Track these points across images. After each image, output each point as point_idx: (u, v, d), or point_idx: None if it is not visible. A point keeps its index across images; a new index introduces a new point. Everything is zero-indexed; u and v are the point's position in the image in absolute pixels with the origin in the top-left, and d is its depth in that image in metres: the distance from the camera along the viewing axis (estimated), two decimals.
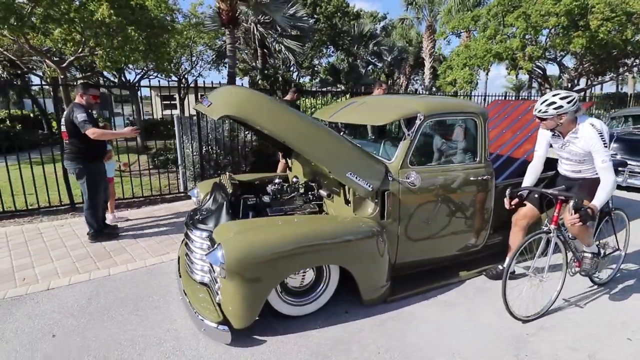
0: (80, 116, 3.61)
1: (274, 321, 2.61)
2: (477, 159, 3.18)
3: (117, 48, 5.53)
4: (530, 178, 2.85)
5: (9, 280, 3.16)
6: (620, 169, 4.98)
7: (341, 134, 2.89)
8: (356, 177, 2.71)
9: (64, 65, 6.38)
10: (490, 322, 2.68)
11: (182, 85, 13.06)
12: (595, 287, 3.15)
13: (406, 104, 3.05)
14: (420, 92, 13.92)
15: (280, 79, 13.26)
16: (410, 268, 3.15)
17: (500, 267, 3.21)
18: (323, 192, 3.15)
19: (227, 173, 3.30)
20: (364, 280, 2.72)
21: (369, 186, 2.74)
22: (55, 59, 6.26)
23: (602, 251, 3.04)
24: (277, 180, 3.29)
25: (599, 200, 2.47)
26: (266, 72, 12.89)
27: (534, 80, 16.25)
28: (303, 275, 2.63)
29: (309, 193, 3.28)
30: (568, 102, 2.44)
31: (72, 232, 4.18)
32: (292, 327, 2.58)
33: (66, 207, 4.93)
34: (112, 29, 5.35)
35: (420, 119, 2.88)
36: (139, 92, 10.24)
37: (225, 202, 2.78)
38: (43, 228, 4.29)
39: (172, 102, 17.22)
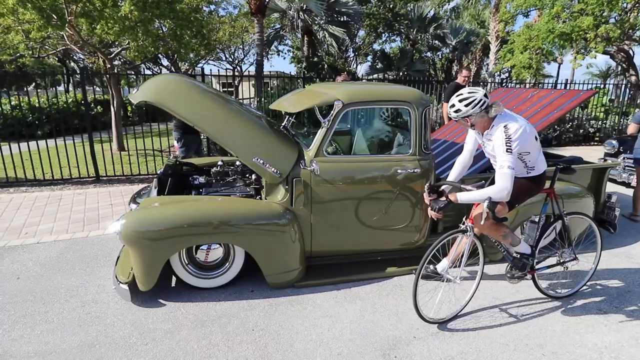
0: None
1: (185, 290, 2.87)
2: (410, 151, 3.01)
3: (141, 40, 6.23)
4: (455, 172, 2.62)
5: (15, 233, 3.94)
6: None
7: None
8: (263, 163, 2.81)
9: (111, 56, 7.38)
10: (385, 319, 2.59)
11: (235, 73, 13.89)
12: (545, 298, 2.80)
13: (328, 92, 3.00)
14: (486, 80, 12.58)
15: (325, 66, 13.35)
16: (331, 258, 3.15)
17: (431, 267, 3.02)
18: (254, 176, 3.29)
19: (173, 155, 3.62)
20: (266, 263, 2.83)
21: (276, 172, 2.82)
22: (103, 50, 7.24)
23: (559, 259, 2.71)
24: (219, 163, 3.52)
25: (466, 195, 2.23)
26: (311, 59, 13.08)
27: (618, 65, 13.74)
28: (207, 252, 2.84)
29: (246, 176, 3.44)
30: (466, 105, 2.19)
31: (83, 200, 4.97)
32: (196, 297, 2.82)
33: (92, 179, 5.81)
34: (136, 24, 6.03)
35: (337, 107, 2.83)
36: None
37: (154, 180, 3.10)
38: (65, 195, 5.16)
39: (229, 89, 18.47)
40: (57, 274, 3.17)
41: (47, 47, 8.26)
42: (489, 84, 10.74)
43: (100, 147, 6.70)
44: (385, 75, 14.24)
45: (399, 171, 2.96)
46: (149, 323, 2.55)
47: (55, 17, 5.61)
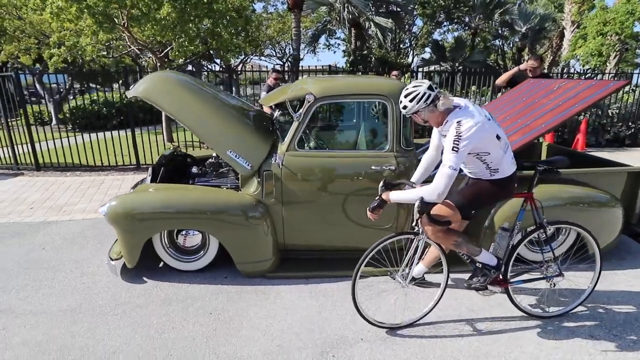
0: (262, 93, 5.70)
1: (169, 271, 3.12)
2: (387, 147, 2.89)
3: (180, 40, 6.74)
4: (419, 170, 2.43)
5: (56, 211, 4.58)
6: None
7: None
8: (236, 156, 2.92)
9: (160, 55, 8.08)
10: (339, 318, 2.56)
11: (285, 69, 14.26)
12: (527, 316, 2.52)
13: (303, 85, 2.99)
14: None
15: (372, 59, 13.07)
16: (307, 251, 3.16)
17: (407, 270, 2.87)
18: None
19: (173, 146, 3.89)
20: (236, 252, 2.95)
21: (248, 165, 2.91)
22: (155, 50, 7.96)
23: (544, 274, 2.44)
24: (214, 155, 3.71)
25: (398, 194, 2.09)
26: (358, 53, 12.88)
27: None
28: (185, 237, 3.04)
29: None
30: (411, 101, 2.03)
31: (119, 185, 5.57)
32: (174, 278, 3.05)
33: (134, 167, 6.47)
34: (175, 25, 6.53)
35: (309, 101, 2.82)
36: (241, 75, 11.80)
37: (149, 169, 3.38)
38: (106, 180, 5.84)
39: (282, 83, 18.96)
40: (73, 247, 3.64)
41: (112, 48, 9.29)
42: (561, 75, 9.62)
43: (149, 138, 7.41)
44: (438, 67, 13.48)
45: (373, 168, 2.86)
46: (126, 297, 2.83)
47: (108, 22, 6.31)
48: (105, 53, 10.51)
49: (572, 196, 2.99)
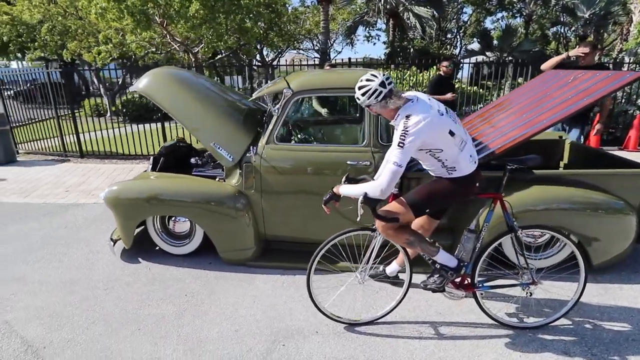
0: None
1: (162, 255, 3.35)
2: (365, 142, 2.84)
3: (208, 36, 7.04)
4: (383, 164, 2.35)
5: (86, 193, 5.09)
6: None
7: None
8: (219, 148, 3.05)
9: (195, 51, 8.52)
10: (302, 310, 2.60)
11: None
12: (499, 327, 2.37)
13: (283, 80, 3.02)
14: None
15: (411, 51, 12.63)
16: (288, 243, 3.22)
17: (381, 267, 2.82)
18: None
19: (177, 138, 4.11)
20: (217, 240, 3.09)
21: (230, 157, 3.02)
22: (188, 47, 8.42)
23: (519, 281, 2.28)
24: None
25: (346, 188, 2.06)
26: (397, 44, 12.51)
27: None
28: (174, 223, 3.25)
29: None
30: (363, 95, 1.98)
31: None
32: (166, 260, 3.27)
33: None
34: (204, 21, 6.84)
35: (286, 95, 2.85)
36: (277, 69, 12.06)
37: (151, 158, 3.63)
38: (136, 168, 6.33)
39: None
40: (90, 227, 4.03)
41: (155, 45, 9.95)
42: (614, 66, 8.62)
43: (177, 130, 7.88)
44: (483, 58, 12.66)
45: (348, 162, 2.84)
46: (118, 274, 3.10)
47: (145, 21, 6.78)
48: (153, 49, 11.31)
49: (574, 200, 2.72)
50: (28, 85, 7.43)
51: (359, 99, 2.03)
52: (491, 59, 12.81)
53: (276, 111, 2.91)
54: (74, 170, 6.25)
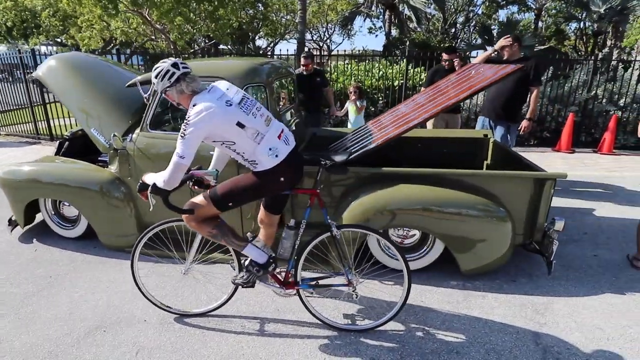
0: None
1: (57, 236, 3.43)
2: None
3: (179, 21, 7.09)
4: (214, 155, 2.31)
5: None
6: None
7: None
8: (98, 134, 3.08)
9: (172, 40, 8.60)
10: (140, 299, 2.56)
11: (320, 52, 14.10)
12: (325, 327, 2.30)
13: None
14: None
15: (407, 43, 12.24)
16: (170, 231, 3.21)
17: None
18: None
19: None
20: (95, 224, 3.15)
21: (107, 143, 3.05)
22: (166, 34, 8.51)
23: (347, 281, 2.18)
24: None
25: (147, 177, 1.98)
26: (392, 37, 12.15)
27: None
28: (64, 206, 3.33)
29: None
30: (155, 77, 1.92)
31: None
32: (56, 243, 3.34)
33: None
34: (172, 7, 6.88)
35: (154, 84, 2.83)
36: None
37: (57, 142, 3.72)
38: None
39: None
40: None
41: (139, 33, 10.13)
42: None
43: None
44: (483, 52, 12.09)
45: (210, 153, 2.78)
46: (7, 252, 3.21)
47: (111, 7, 6.89)
48: (153, 37, 11.53)
49: (437, 201, 2.58)
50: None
51: (154, 84, 1.98)
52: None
53: (147, 99, 2.88)
54: (38, 152, 6.50)
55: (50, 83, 3.23)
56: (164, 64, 1.92)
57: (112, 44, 12.76)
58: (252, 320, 2.38)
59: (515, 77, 4.02)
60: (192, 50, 9.41)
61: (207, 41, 9.70)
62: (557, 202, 4.27)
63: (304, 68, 4.47)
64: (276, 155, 1.96)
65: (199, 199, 2.04)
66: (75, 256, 3.15)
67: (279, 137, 1.99)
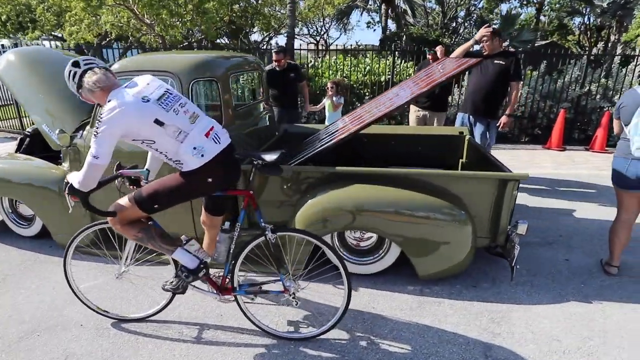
0: None
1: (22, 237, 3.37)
2: None
3: (164, 15, 6.97)
4: (148, 158, 2.18)
5: None
6: None
7: None
8: (49, 130, 2.98)
9: (158, 34, 8.49)
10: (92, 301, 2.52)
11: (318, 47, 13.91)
12: (264, 335, 2.19)
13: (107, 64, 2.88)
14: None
15: (403, 37, 12.02)
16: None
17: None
18: None
19: None
20: (47, 222, 3.07)
21: (58, 140, 2.95)
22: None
23: (286, 287, 2.05)
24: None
25: (71, 175, 1.85)
26: (388, 32, 11.92)
27: None
28: (19, 204, 3.25)
29: None
30: (68, 76, 1.80)
31: None
32: (15, 242, 3.26)
33: None
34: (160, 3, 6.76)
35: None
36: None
37: (19, 138, 3.64)
38: None
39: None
40: None
41: (132, 27, 10.02)
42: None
43: None
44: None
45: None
46: None
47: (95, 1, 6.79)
48: (144, 31, 11.43)
49: (388, 202, 2.45)
50: None
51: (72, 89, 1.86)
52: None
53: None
54: None
55: (6, 78, 3.14)
56: (68, 66, 1.80)
57: (107, 39, 12.66)
58: (192, 327, 2.28)
59: (495, 72, 3.87)
60: (184, 44, 9.29)
61: (204, 35, 9.55)
62: (538, 202, 4.12)
63: (276, 63, 4.33)
64: (202, 155, 1.84)
65: (124, 200, 1.93)
66: (29, 255, 3.08)
67: (207, 135, 1.87)
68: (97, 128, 1.71)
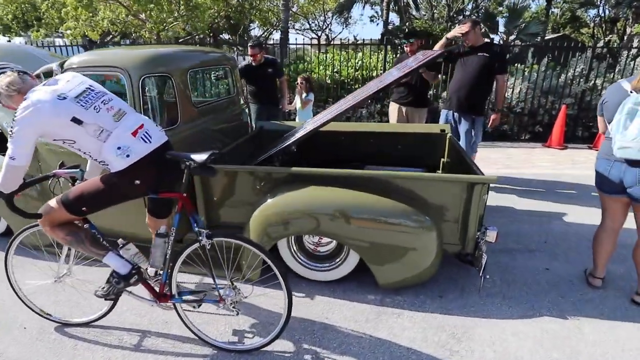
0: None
1: None
2: None
3: (156, 12, 6.90)
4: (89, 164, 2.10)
5: None
6: None
7: None
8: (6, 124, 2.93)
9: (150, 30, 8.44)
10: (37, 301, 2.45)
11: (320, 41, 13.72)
12: (204, 345, 2.08)
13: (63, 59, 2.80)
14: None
15: (405, 31, 11.72)
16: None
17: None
18: None
19: None
20: (12, 223, 3.02)
21: None
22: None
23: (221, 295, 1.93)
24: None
25: None
26: (389, 27, 11.63)
27: None
28: None
29: None
30: None
31: None
32: None
33: None
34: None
35: (56, 73, 2.64)
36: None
37: None
38: None
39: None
40: None
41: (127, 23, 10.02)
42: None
43: None
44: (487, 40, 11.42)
45: None
46: None
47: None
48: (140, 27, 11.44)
49: (348, 206, 2.29)
50: None
51: None
52: (499, 42, 11.55)
53: None
54: None
55: None
56: None
57: (111, 36, 12.73)
58: (133, 334, 2.18)
59: (478, 65, 3.65)
60: (182, 39, 9.23)
61: (197, 31, 9.50)
62: (527, 204, 3.89)
63: (252, 58, 4.19)
64: (127, 155, 1.72)
65: (52, 202, 1.84)
66: None
67: (134, 133, 1.76)
68: (12, 128, 1.61)
